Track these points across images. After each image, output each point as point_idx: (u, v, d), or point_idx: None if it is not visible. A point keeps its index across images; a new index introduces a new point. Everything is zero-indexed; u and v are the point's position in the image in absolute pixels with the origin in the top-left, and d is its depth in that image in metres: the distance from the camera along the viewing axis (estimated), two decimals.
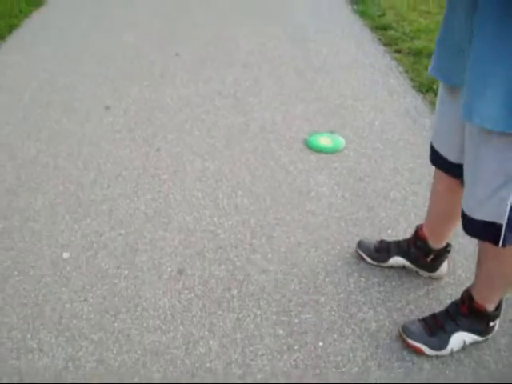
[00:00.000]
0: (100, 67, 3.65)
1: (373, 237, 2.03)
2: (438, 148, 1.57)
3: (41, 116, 3.00)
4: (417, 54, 3.86)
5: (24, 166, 2.53)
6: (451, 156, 1.52)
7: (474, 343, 1.60)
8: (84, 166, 2.52)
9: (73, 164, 2.54)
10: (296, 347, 1.61)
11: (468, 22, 1.20)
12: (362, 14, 4.65)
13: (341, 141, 2.68)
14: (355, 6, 4.85)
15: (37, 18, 4.68)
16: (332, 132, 2.78)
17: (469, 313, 1.57)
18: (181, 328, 1.67)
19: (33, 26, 4.49)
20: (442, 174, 1.62)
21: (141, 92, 3.29)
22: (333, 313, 1.73)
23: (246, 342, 1.62)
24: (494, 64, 1.13)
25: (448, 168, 1.56)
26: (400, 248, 1.86)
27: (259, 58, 3.80)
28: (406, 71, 3.62)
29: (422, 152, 2.55)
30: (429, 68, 1.49)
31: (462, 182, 1.48)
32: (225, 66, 3.66)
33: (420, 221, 1.88)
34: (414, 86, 3.38)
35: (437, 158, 1.59)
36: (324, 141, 2.66)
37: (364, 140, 2.74)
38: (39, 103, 3.15)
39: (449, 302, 1.67)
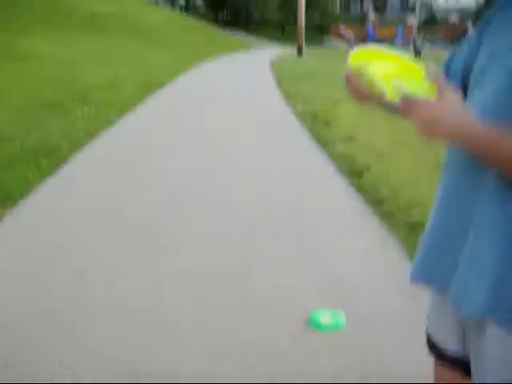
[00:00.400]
0: (109, 238, 3.76)
1: None
2: (434, 336, 1.40)
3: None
4: (412, 226, 3.98)
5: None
6: (450, 347, 1.35)
7: None
8: None
9: None
10: None
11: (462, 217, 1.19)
12: (358, 188, 4.89)
13: (342, 318, 2.68)
14: (351, 180, 5.12)
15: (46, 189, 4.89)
16: (333, 309, 2.78)
17: None
18: None
19: (41, 196, 4.68)
20: (440, 367, 1.42)
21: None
22: None
23: None
24: (485, 250, 1.11)
25: (446, 359, 1.37)
26: None
27: (257, 237, 3.89)
28: (403, 243, 3.71)
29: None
30: (410, 273, 1.40)
31: (466, 375, 1.35)
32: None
33: None
34: (411, 259, 3.44)
35: (434, 348, 1.40)
36: (325, 319, 2.65)
37: (365, 317, 2.73)
38: (41, 273, 3.19)
39: None
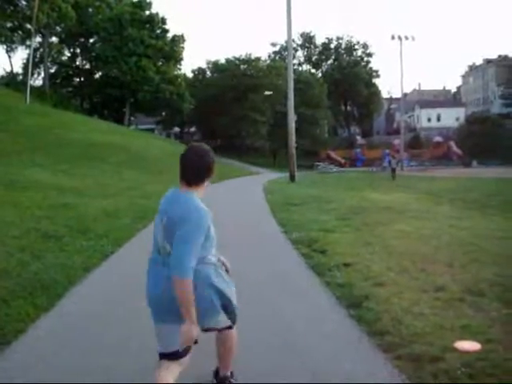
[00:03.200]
0: None
1: None
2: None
3: None
4: (417, 359, 3.87)
5: None
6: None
7: None
8: None
9: None
10: None
11: None
12: (359, 319, 4.81)
13: None
14: (352, 312, 5.04)
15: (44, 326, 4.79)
16: None
17: None
18: None
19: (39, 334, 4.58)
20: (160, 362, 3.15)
21: None
22: None
23: None
24: None
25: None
26: None
27: None
28: (409, 380, 3.60)
29: None
30: None
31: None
32: None
33: None
34: None
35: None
36: None
37: None
38: None
39: None
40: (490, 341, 4.12)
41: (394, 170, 36.80)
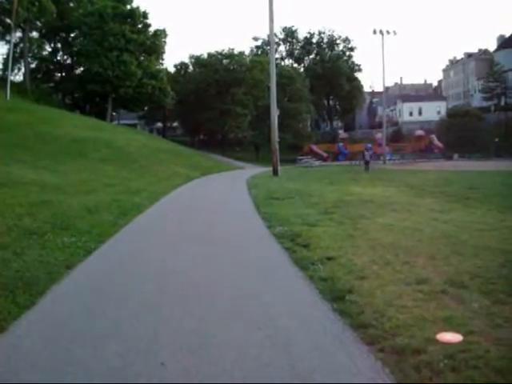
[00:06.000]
0: None
1: None
2: None
3: None
4: (400, 352, 3.91)
5: None
6: None
7: None
8: None
9: None
10: None
11: None
12: (342, 313, 4.82)
13: None
14: (335, 305, 5.06)
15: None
16: None
17: None
18: None
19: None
20: None
21: None
22: None
23: None
24: None
25: None
26: None
27: None
28: (392, 372, 3.63)
29: None
30: None
31: None
32: None
33: None
34: None
35: None
36: None
37: None
38: None
39: None
40: (471, 332, 4.17)
41: (367, 163, 38.71)
